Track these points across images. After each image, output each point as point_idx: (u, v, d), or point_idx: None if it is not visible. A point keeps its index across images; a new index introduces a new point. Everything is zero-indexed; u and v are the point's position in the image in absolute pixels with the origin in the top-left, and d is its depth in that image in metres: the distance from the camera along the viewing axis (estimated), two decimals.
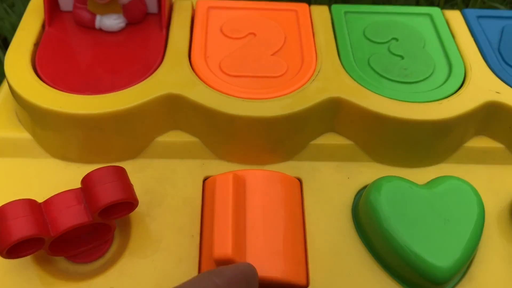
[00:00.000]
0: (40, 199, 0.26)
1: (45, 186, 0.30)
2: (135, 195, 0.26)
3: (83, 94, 0.30)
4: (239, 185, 0.27)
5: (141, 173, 0.31)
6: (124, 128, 0.30)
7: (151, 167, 0.31)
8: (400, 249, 0.26)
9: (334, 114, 0.31)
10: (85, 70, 0.32)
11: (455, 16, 0.37)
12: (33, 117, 0.30)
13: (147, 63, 0.32)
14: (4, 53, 0.45)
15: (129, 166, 0.31)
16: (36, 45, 0.33)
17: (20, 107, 0.31)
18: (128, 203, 0.26)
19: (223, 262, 0.24)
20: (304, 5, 0.37)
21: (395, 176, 0.29)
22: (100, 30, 0.34)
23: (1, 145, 0.31)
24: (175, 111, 0.31)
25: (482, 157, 0.33)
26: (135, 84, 0.31)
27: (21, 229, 0.24)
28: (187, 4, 0.37)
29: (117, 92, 0.30)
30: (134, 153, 0.32)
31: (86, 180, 0.25)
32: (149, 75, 0.31)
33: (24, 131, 0.32)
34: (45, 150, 0.31)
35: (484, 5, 0.51)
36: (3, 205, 0.24)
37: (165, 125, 0.32)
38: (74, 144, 0.31)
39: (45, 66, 0.32)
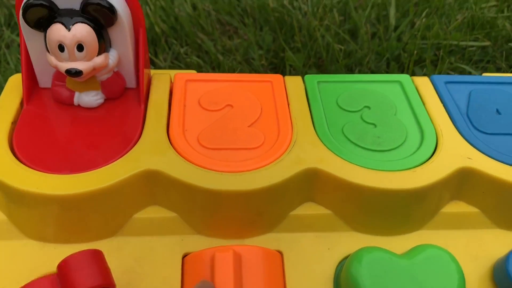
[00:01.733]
0: (15, 284, 0.25)
1: (20, 269, 0.29)
2: (113, 279, 0.25)
3: (61, 173, 0.30)
4: (236, 261, 0.27)
5: (119, 252, 0.30)
6: (102, 207, 0.30)
7: (129, 245, 0.31)
8: None
9: (311, 184, 0.32)
10: (64, 147, 0.32)
11: (424, 82, 0.39)
12: (9, 198, 0.30)
13: (126, 138, 0.33)
14: None
15: (106, 245, 0.31)
16: (14, 123, 0.33)
17: None
18: None
19: None
20: (279, 76, 0.39)
21: (375, 247, 0.29)
22: (79, 106, 0.35)
23: None
24: (154, 186, 0.31)
25: (459, 222, 0.33)
26: (114, 161, 0.31)
27: None
28: (165, 78, 0.38)
29: (95, 171, 0.30)
30: (111, 232, 0.31)
31: (62, 265, 0.25)
32: (127, 151, 0.32)
33: None
34: (20, 231, 0.31)
35: (451, 66, 0.54)
36: None
37: (143, 201, 0.32)
38: (50, 224, 0.30)
39: (22, 145, 0.32)
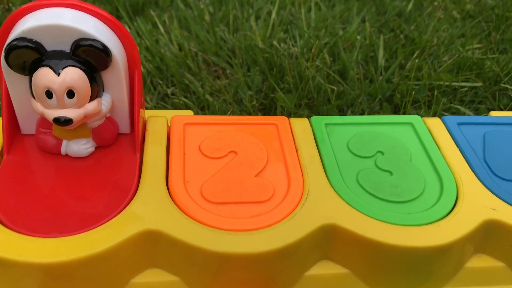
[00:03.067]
0: None
1: None
2: None
3: (48, 236, 0.26)
4: None
5: None
6: (96, 274, 0.26)
7: None
8: None
9: (327, 241, 0.29)
10: (50, 204, 0.28)
11: (436, 124, 0.37)
12: None
13: (120, 192, 0.29)
14: None
15: None
16: None
17: None
18: None
19: None
20: (284, 118, 0.36)
21: None
22: (67, 155, 0.31)
23: None
24: (153, 248, 0.28)
25: (484, 278, 0.31)
26: (108, 220, 0.27)
27: None
28: (162, 121, 0.35)
29: (87, 233, 0.27)
30: None
31: None
32: (123, 208, 0.28)
33: None
34: None
35: (444, 106, 0.52)
36: None
37: (142, 265, 0.28)
38: None
39: (3, 202, 0.28)
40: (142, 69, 0.53)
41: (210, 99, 0.51)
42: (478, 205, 0.31)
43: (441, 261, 0.29)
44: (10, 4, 0.64)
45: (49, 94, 0.28)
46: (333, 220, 0.29)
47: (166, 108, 0.51)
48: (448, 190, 0.32)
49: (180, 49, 0.59)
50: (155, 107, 0.50)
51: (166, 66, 0.55)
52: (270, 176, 0.32)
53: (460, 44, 0.63)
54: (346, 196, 0.30)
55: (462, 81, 0.56)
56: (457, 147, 0.35)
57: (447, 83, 0.55)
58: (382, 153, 0.34)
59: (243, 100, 0.51)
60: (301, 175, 0.32)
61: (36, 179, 0.30)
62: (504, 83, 0.56)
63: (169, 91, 0.52)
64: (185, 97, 0.52)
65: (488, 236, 0.30)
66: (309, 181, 0.31)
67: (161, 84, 0.53)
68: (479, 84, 0.56)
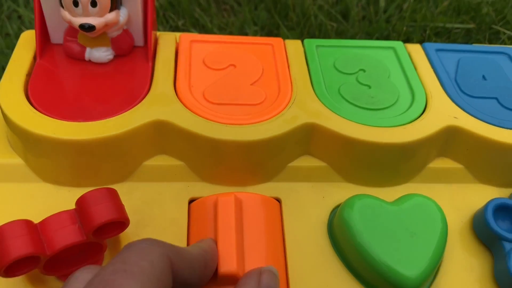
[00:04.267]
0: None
1: (37, 209, 0.31)
2: (127, 215, 0.28)
3: (76, 121, 0.32)
4: (237, 206, 0.29)
5: (129, 196, 0.33)
6: (114, 153, 0.32)
7: (139, 190, 0.33)
8: (372, 261, 0.29)
9: (309, 138, 0.34)
10: (76, 99, 0.34)
11: (416, 49, 0.41)
12: (26, 143, 0.32)
13: (134, 92, 0.35)
14: None
15: (117, 189, 0.32)
16: (28, 75, 0.35)
17: (13, 133, 0.32)
18: (120, 222, 0.28)
19: (227, 277, 0.25)
20: (279, 40, 0.41)
21: (366, 195, 0.32)
22: (89, 61, 0.36)
23: None
24: (162, 136, 0.33)
25: (444, 177, 0.36)
26: (125, 111, 0.33)
27: (18, 248, 0.25)
28: (171, 38, 0.39)
29: (108, 119, 0.32)
30: (122, 177, 0.33)
31: (80, 201, 0.27)
32: (136, 104, 0.34)
33: (16, 157, 0.33)
34: (36, 174, 0.33)
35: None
36: (1, 226, 0.25)
37: (152, 150, 0.34)
38: (65, 168, 0.32)
39: (37, 95, 0.34)
40: (156, 3, 0.57)
41: (218, 32, 0.55)
42: (443, 114, 0.35)
43: (406, 159, 0.34)
44: None
45: (75, 3, 0.32)
46: (314, 119, 0.34)
47: None
48: (418, 101, 0.36)
49: None
50: None
51: (178, 1, 0.59)
52: (263, 85, 0.36)
53: None
54: (328, 102, 0.35)
55: (457, 23, 0.60)
56: (433, 69, 0.39)
57: (441, 25, 0.58)
58: (364, 70, 0.39)
59: (248, 35, 0.56)
60: (290, 85, 0.36)
61: (64, 79, 0.35)
62: (497, 26, 0.59)
63: (179, 23, 0.57)
64: (195, 29, 0.57)
65: (449, 141, 0.35)
66: (296, 90, 0.36)
67: (173, 18, 0.57)
68: (472, 25, 0.59)
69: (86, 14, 0.33)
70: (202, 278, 0.24)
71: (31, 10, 0.59)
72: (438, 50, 0.41)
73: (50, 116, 0.32)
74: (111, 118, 0.32)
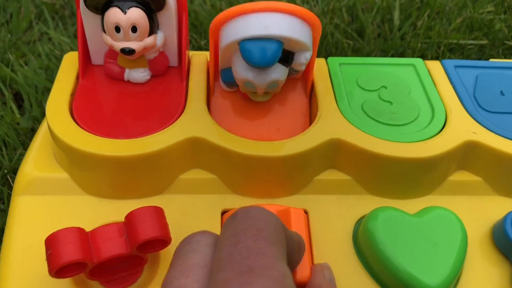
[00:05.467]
0: None
1: (82, 220, 0.34)
2: (170, 234, 0.30)
3: (117, 138, 0.34)
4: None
5: (166, 207, 0.34)
6: (152, 168, 0.34)
7: (175, 202, 0.35)
8: (395, 270, 0.31)
9: (334, 153, 0.36)
10: (116, 117, 0.37)
11: (435, 66, 0.43)
12: (71, 158, 0.35)
13: (170, 111, 0.37)
14: (18, 108, 0.50)
15: (156, 201, 0.35)
16: (72, 95, 0.38)
17: (59, 149, 0.35)
18: (163, 240, 0.30)
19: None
20: None
21: (389, 207, 0.34)
22: (128, 81, 0.39)
23: (42, 184, 0.35)
24: (196, 152, 0.35)
25: (464, 189, 0.38)
26: (162, 129, 0.35)
27: (70, 253, 0.27)
28: (203, 58, 0.42)
29: (147, 137, 0.35)
30: (160, 190, 0.36)
31: (129, 216, 0.29)
32: (172, 122, 0.36)
33: (62, 171, 0.36)
34: (81, 188, 0.36)
35: None
36: (57, 231, 0.28)
37: (187, 164, 0.36)
38: (107, 182, 0.35)
39: (81, 113, 0.36)
40: None
41: None
42: (462, 129, 0.37)
43: (427, 172, 0.36)
44: None
45: (117, 29, 0.35)
46: (339, 135, 0.36)
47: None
48: (438, 117, 0.38)
49: (213, 7, 0.65)
50: None
51: (200, 22, 0.62)
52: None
53: (472, 7, 0.67)
54: (351, 118, 0.37)
55: (470, 39, 0.61)
56: (451, 85, 0.41)
57: (455, 41, 0.60)
58: (386, 87, 0.40)
59: None
60: (316, 102, 0.39)
61: (105, 98, 0.38)
62: (510, 42, 0.61)
63: (202, 43, 0.59)
64: None
65: (469, 155, 0.37)
66: (322, 107, 0.38)
67: (195, 38, 0.60)
68: (485, 41, 0.60)
69: (127, 38, 0.36)
70: (293, 262, 0.25)
71: (60, 32, 0.62)
72: (456, 66, 0.43)
73: (93, 134, 0.35)
74: (149, 136, 0.35)
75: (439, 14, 0.65)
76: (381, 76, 0.41)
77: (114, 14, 0.35)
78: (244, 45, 0.32)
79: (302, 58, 0.34)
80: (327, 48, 0.58)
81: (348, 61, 0.43)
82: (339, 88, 0.40)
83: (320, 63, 0.42)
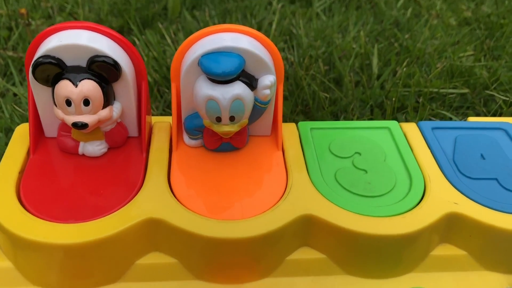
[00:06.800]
0: None
1: None
2: None
3: (67, 222, 0.31)
4: None
5: None
6: (106, 255, 0.31)
7: None
8: None
9: (306, 230, 0.33)
10: (69, 196, 0.33)
11: (411, 129, 0.41)
12: (16, 246, 0.31)
13: (128, 186, 0.34)
14: None
15: None
16: (21, 172, 0.35)
17: (2, 236, 0.32)
18: None
19: None
20: None
21: None
22: (83, 155, 0.36)
23: None
24: (155, 234, 0.32)
25: (448, 265, 0.35)
26: (117, 209, 0.32)
27: None
28: (166, 126, 0.39)
29: (99, 219, 0.31)
30: (114, 278, 0.32)
31: None
32: (130, 199, 0.33)
33: (5, 260, 0.32)
34: (26, 278, 0.32)
35: (432, 112, 0.56)
36: None
37: (145, 248, 0.33)
38: (56, 271, 0.31)
39: (29, 194, 0.33)
40: (149, 78, 0.58)
41: None
42: (443, 199, 0.35)
43: (408, 249, 0.33)
44: (30, 19, 0.69)
45: (68, 103, 0.33)
46: (311, 211, 0.33)
47: (171, 114, 0.55)
48: (416, 186, 0.36)
49: None
50: (161, 114, 0.55)
51: None
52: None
53: (452, 52, 0.66)
54: (324, 191, 0.35)
55: (450, 88, 0.60)
56: (429, 149, 0.39)
57: (435, 90, 0.59)
58: (360, 154, 0.38)
59: None
60: (285, 172, 0.36)
61: (57, 175, 0.35)
62: (491, 90, 0.60)
63: None
64: None
65: (451, 227, 0.34)
66: (292, 177, 0.35)
67: (167, 93, 0.58)
68: (466, 91, 0.59)
69: (79, 112, 0.33)
70: None
71: (25, 88, 0.59)
72: (434, 128, 0.41)
73: (41, 218, 0.31)
74: (103, 218, 0.32)
75: (418, 60, 0.64)
76: (354, 141, 0.39)
77: (64, 87, 0.32)
78: (203, 59, 0.32)
79: (266, 80, 0.34)
80: (303, 100, 0.56)
81: (320, 125, 0.41)
82: (311, 155, 0.38)
83: (290, 128, 0.40)
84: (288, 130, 0.40)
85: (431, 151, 0.39)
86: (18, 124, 0.39)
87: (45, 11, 0.75)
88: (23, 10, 0.67)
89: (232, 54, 0.33)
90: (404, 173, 0.37)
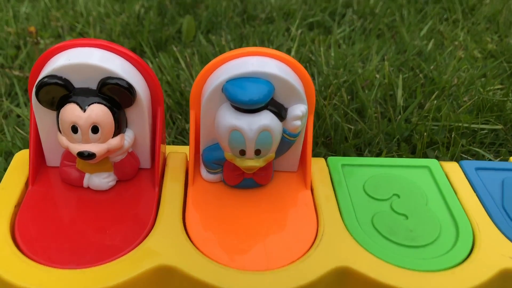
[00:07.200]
0: None
1: None
2: None
3: (66, 268, 0.27)
4: None
5: None
6: None
7: None
8: None
9: (341, 284, 0.29)
10: (70, 235, 0.29)
11: (453, 168, 0.37)
12: None
13: (138, 226, 0.30)
14: None
15: None
16: (18, 206, 0.31)
17: None
18: None
19: None
20: None
21: None
22: (88, 188, 0.32)
23: None
24: (167, 282, 0.28)
25: None
26: (124, 254, 0.28)
27: None
28: (182, 157, 0.35)
29: (103, 265, 0.27)
30: None
31: None
32: (140, 241, 0.29)
33: None
34: None
35: (463, 148, 0.52)
36: None
37: None
38: None
39: (25, 232, 0.29)
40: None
41: None
42: (495, 253, 0.30)
43: None
44: (39, 38, 0.67)
45: (74, 129, 0.29)
46: (347, 263, 0.29)
47: (183, 142, 0.51)
48: (464, 236, 0.31)
49: None
50: (173, 142, 0.51)
51: (186, 101, 0.57)
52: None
53: (481, 85, 0.63)
54: (361, 238, 0.30)
55: (482, 123, 0.56)
56: (475, 192, 0.35)
57: (466, 125, 0.55)
58: (398, 196, 0.34)
59: None
60: (315, 214, 0.32)
61: (58, 210, 0.31)
62: None
63: (187, 126, 0.53)
64: None
65: (506, 286, 0.30)
66: (324, 222, 0.31)
67: (180, 119, 0.54)
68: (500, 127, 0.56)
69: (86, 140, 0.29)
70: None
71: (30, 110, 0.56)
72: (478, 169, 0.37)
73: (36, 261, 0.27)
74: (108, 264, 0.27)
75: (444, 92, 0.60)
76: (391, 181, 0.35)
77: (71, 111, 0.29)
78: (227, 85, 0.29)
79: (297, 110, 0.30)
80: (325, 131, 0.52)
81: (352, 161, 0.37)
82: (343, 196, 0.33)
83: (318, 163, 0.36)
84: (317, 166, 0.36)
85: (477, 195, 0.35)
86: (20, 149, 0.35)
87: (55, 30, 0.73)
88: (32, 28, 0.64)
89: (260, 80, 0.29)
90: (449, 220, 0.33)
